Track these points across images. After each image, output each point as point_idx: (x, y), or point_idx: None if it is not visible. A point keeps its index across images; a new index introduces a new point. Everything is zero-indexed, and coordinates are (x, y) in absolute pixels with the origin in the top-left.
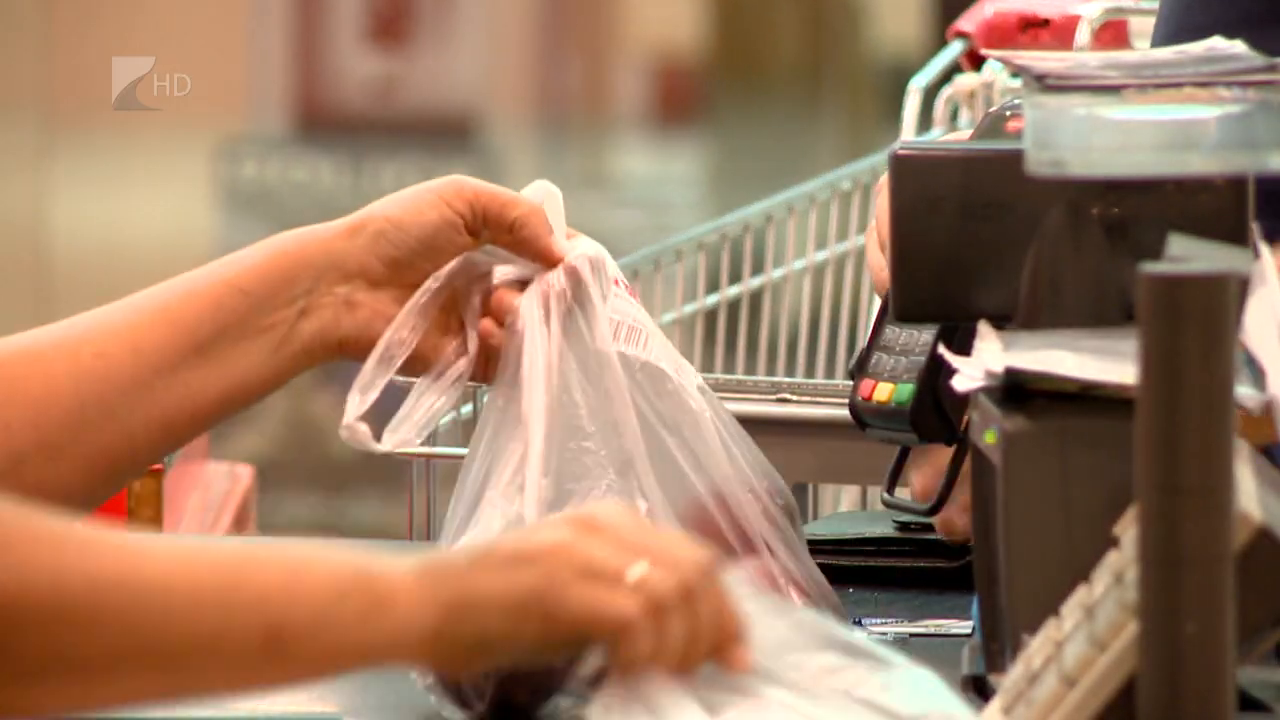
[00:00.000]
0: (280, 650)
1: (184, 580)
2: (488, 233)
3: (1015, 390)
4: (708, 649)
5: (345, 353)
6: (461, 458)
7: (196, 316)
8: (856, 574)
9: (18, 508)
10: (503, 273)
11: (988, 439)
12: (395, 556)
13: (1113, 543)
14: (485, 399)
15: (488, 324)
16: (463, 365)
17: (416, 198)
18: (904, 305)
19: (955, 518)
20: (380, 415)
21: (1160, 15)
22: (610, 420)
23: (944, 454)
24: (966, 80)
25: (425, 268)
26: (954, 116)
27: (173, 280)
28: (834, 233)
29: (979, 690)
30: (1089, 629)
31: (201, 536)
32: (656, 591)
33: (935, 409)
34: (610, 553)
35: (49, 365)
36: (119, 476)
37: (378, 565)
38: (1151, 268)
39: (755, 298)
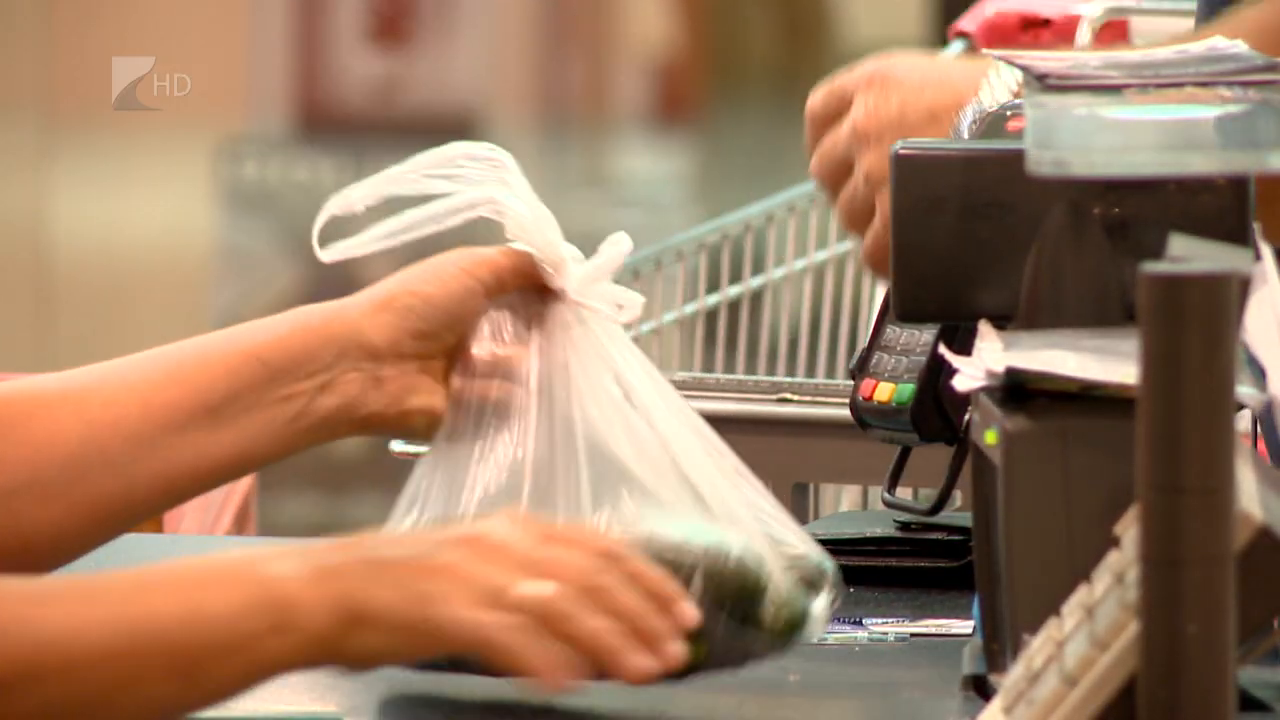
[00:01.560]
0: (193, 681)
1: (94, 631)
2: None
3: (1016, 390)
4: (643, 622)
5: (370, 427)
6: None
7: (210, 381)
8: (857, 574)
9: None
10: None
11: (988, 439)
12: (289, 555)
13: (1113, 543)
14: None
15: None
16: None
17: (439, 270)
18: (905, 305)
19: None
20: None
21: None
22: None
23: None
24: None
25: (448, 338)
26: None
27: (190, 340)
28: (834, 233)
29: (980, 690)
30: (1090, 629)
31: (207, 539)
32: (545, 605)
33: (936, 409)
34: (497, 572)
35: (55, 408)
36: (114, 526)
37: (273, 571)
38: (1152, 268)
39: (756, 297)
